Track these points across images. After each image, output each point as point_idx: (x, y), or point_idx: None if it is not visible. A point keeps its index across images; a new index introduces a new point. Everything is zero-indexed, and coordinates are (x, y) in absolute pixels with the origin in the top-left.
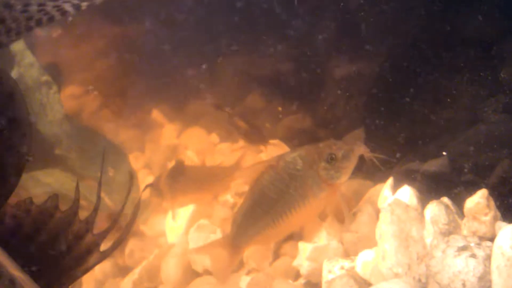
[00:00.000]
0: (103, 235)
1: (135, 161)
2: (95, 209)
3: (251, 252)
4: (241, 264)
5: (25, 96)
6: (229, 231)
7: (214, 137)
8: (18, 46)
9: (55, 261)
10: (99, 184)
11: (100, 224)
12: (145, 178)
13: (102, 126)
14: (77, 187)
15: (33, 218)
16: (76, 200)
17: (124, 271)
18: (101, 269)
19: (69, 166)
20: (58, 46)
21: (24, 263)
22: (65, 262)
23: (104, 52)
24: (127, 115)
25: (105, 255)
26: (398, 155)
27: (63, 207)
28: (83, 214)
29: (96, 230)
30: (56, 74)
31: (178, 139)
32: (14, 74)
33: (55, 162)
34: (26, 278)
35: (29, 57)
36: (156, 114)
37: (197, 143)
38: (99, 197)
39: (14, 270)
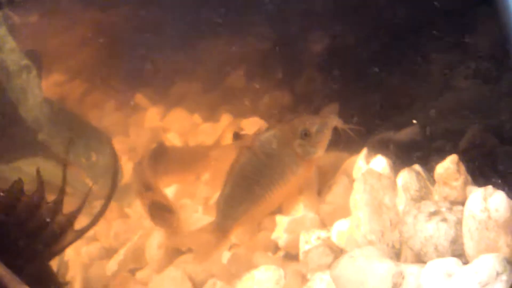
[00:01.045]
0: (74, 214)
1: (120, 145)
2: (62, 191)
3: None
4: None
5: (6, 81)
6: (214, 217)
7: (197, 118)
8: (0, 32)
9: (26, 242)
10: (64, 166)
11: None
12: (129, 161)
13: (86, 112)
14: (38, 172)
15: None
16: (40, 184)
17: (110, 253)
18: (87, 253)
19: (52, 152)
20: (38, 32)
21: None
22: (36, 241)
23: (86, 38)
24: (111, 100)
25: (80, 234)
26: (371, 125)
27: (49, 194)
28: (67, 200)
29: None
30: (36, 60)
31: (162, 121)
32: None
33: (38, 148)
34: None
35: (10, 43)
36: (139, 98)
37: (180, 125)
38: (64, 179)
39: None
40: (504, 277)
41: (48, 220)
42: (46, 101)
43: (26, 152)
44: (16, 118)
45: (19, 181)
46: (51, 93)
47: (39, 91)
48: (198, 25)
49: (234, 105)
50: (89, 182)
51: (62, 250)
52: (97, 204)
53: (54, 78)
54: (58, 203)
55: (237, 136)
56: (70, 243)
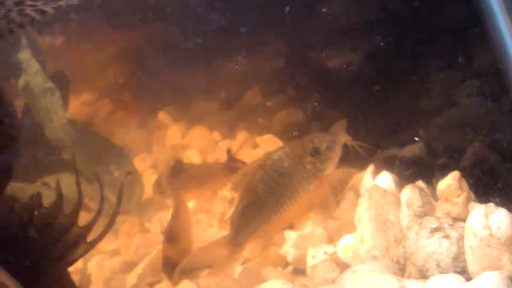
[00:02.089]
0: (88, 227)
1: (143, 162)
2: (78, 204)
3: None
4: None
5: (32, 103)
6: (229, 231)
7: (216, 135)
8: (24, 55)
9: (42, 253)
10: (78, 181)
11: None
12: (151, 177)
13: (111, 130)
14: (57, 185)
15: (17, 214)
16: (59, 196)
17: (130, 266)
18: (110, 266)
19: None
20: (64, 54)
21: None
22: (52, 253)
23: (112, 58)
24: (135, 118)
25: (91, 245)
26: (378, 142)
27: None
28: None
29: None
30: (62, 81)
31: (183, 138)
32: (21, 82)
33: (64, 166)
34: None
35: (34, 66)
36: (162, 116)
37: (200, 142)
38: (80, 192)
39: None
40: None
41: (63, 232)
42: (70, 122)
43: (51, 170)
44: (42, 139)
45: (38, 194)
46: (79, 112)
47: (62, 112)
48: (217, 46)
49: (250, 123)
50: (112, 197)
51: (74, 262)
52: (119, 220)
53: (83, 98)
54: (74, 215)
55: (229, 154)
56: (82, 254)
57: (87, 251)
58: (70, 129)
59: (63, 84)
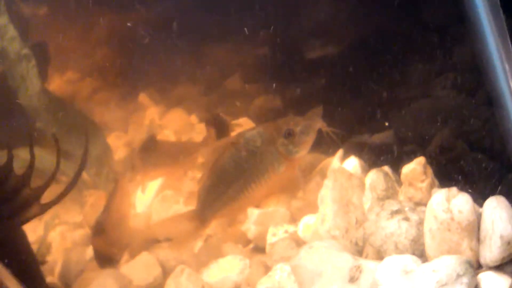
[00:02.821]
0: (41, 189)
1: (117, 139)
2: (31, 166)
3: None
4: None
5: (7, 69)
6: (195, 206)
7: (194, 118)
8: (1, 20)
9: None
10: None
11: None
12: (123, 155)
13: (92, 108)
14: (8, 150)
15: None
16: (10, 159)
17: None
18: (71, 238)
19: (48, 140)
20: (46, 25)
21: None
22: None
23: (95, 37)
24: (115, 99)
25: (46, 207)
26: (352, 129)
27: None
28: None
29: None
30: (43, 51)
31: (160, 120)
32: None
33: (35, 136)
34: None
35: (11, 31)
36: (142, 97)
37: (176, 124)
38: (32, 157)
39: None
40: (465, 280)
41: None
42: (44, 91)
43: (24, 140)
44: (16, 106)
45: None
46: (62, 90)
47: (37, 80)
48: (202, 30)
49: (228, 107)
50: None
51: (25, 222)
52: (87, 193)
53: (67, 77)
54: (26, 177)
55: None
56: (35, 215)
57: (41, 212)
58: (44, 97)
59: (42, 54)
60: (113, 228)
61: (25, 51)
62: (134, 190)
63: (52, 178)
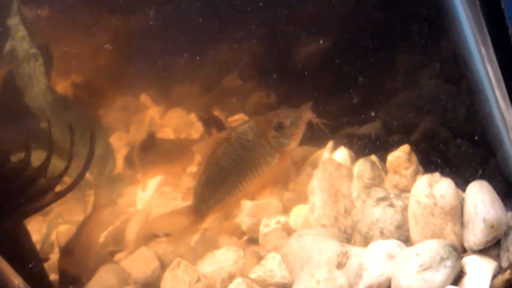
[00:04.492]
0: (57, 179)
1: (119, 140)
2: (48, 158)
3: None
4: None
5: (16, 69)
6: (191, 201)
7: (193, 117)
8: (13, 21)
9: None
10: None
11: None
12: (124, 154)
13: (95, 110)
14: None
15: None
16: (28, 154)
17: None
18: None
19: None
20: (49, 27)
21: None
22: (18, 199)
23: (97, 39)
24: (118, 100)
25: (59, 195)
26: (342, 121)
27: None
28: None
29: None
30: (46, 51)
31: (161, 120)
32: (7, 47)
33: (40, 137)
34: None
35: (21, 31)
36: (144, 98)
37: (176, 123)
38: (50, 146)
39: None
40: (448, 263)
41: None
42: (49, 90)
43: (29, 141)
44: (22, 105)
45: (5, 152)
46: (67, 92)
47: (43, 79)
48: (199, 32)
49: (226, 104)
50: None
51: (41, 208)
52: (90, 193)
53: (71, 79)
54: (43, 168)
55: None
56: (49, 203)
57: (55, 199)
58: (49, 96)
59: (46, 54)
60: (81, 251)
61: (33, 50)
62: (134, 189)
63: (66, 170)
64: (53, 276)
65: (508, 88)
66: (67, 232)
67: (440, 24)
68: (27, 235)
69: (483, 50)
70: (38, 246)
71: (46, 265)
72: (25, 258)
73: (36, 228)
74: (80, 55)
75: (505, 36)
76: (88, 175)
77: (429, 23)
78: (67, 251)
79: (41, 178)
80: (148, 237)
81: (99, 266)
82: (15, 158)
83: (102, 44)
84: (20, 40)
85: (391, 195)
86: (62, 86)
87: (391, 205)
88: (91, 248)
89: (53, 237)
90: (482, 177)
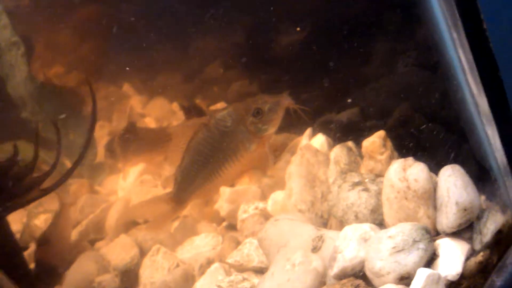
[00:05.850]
0: (43, 177)
1: (100, 129)
2: (35, 158)
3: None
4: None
5: None
6: (172, 188)
7: (175, 106)
8: None
9: None
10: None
11: None
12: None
13: (78, 99)
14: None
15: None
16: (16, 152)
17: (75, 224)
18: None
19: (32, 129)
20: (29, 16)
21: None
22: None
23: (79, 28)
24: (101, 90)
25: (45, 192)
26: (320, 108)
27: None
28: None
29: None
30: (27, 40)
31: (143, 109)
32: None
33: (20, 127)
34: None
35: (4, 19)
36: (126, 87)
37: (158, 112)
38: (36, 149)
39: None
40: (421, 246)
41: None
42: (30, 78)
43: (10, 132)
44: (4, 95)
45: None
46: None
47: (25, 67)
48: (183, 22)
49: (208, 93)
50: (65, 160)
51: (27, 204)
52: (71, 182)
53: (54, 70)
54: (29, 166)
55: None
56: (35, 199)
57: (41, 196)
58: (30, 85)
59: (28, 42)
60: (56, 242)
61: (15, 38)
62: (116, 178)
63: (53, 168)
64: (33, 265)
65: (480, 73)
66: (48, 221)
67: (415, 11)
68: (5, 227)
69: (454, 34)
70: (18, 235)
71: (26, 253)
72: (4, 248)
73: (17, 218)
74: (62, 45)
75: (477, 20)
76: (68, 164)
77: (404, 11)
78: (43, 241)
79: (28, 176)
80: (129, 224)
81: (78, 254)
82: None
83: (83, 34)
84: (2, 28)
85: (366, 180)
86: (44, 75)
87: (366, 189)
88: (65, 239)
89: (33, 226)
90: (455, 161)
